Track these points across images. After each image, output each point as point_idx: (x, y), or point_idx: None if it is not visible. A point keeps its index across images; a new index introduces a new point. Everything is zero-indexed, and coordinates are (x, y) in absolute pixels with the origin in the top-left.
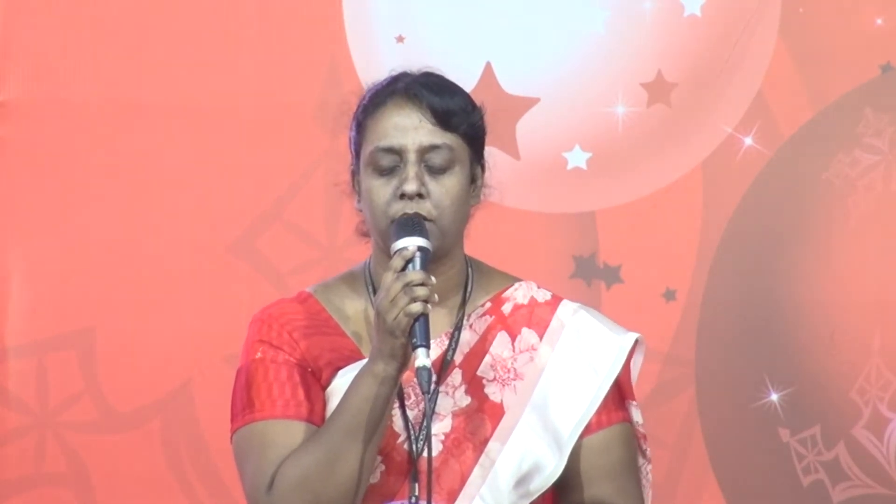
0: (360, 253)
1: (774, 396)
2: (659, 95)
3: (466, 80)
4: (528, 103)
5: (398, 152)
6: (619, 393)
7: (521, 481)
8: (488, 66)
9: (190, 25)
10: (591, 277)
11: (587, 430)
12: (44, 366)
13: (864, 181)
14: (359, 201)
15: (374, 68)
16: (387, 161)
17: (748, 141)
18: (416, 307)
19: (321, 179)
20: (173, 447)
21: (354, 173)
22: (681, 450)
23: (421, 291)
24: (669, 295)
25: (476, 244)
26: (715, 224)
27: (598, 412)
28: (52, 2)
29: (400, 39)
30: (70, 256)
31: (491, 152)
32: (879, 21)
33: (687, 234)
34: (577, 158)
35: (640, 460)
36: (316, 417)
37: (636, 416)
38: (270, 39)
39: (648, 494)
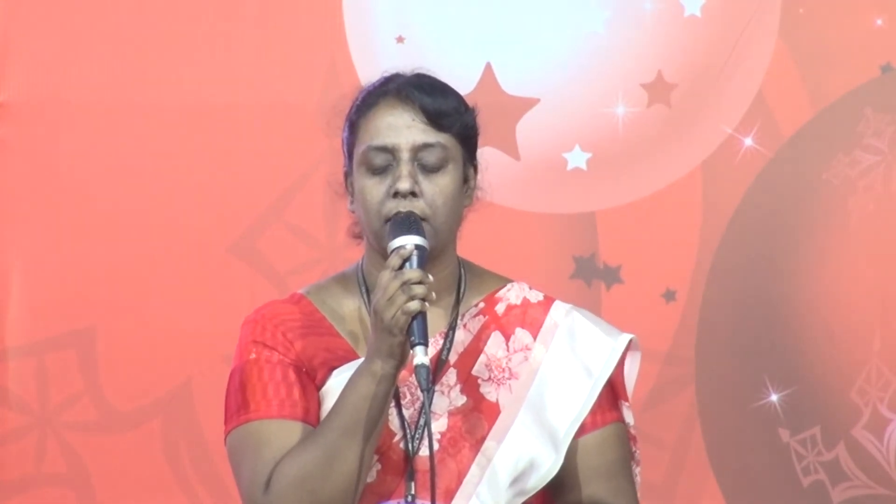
0: (361, 253)
1: (774, 397)
2: (659, 96)
3: (466, 81)
4: (528, 104)
5: (391, 151)
6: (613, 393)
7: (518, 479)
8: (488, 67)
9: (190, 26)
10: (591, 278)
11: (582, 429)
12: (44, 366)
13: (864, 181)
14: (352, 202)
15: (374, 68)
16: (380, 160)
17: (748, 141)
18: (415, 305)
19: (321, 180)
20: (173, 447)
21: (347, 174)
22: (681, 450)
23: (419, 289)
24: (669, 295)
25: (476, 245)
26: (715, 224)
27: (593, 412)
28: (52, 2)
29: (400, 40)
30: (70, 256)
31: (487, 154)
32: (879, 21)
33: (687, 234)
34: (577, 159)
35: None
36: (311, 417)
37: (628, 417)
38: (270, 39)
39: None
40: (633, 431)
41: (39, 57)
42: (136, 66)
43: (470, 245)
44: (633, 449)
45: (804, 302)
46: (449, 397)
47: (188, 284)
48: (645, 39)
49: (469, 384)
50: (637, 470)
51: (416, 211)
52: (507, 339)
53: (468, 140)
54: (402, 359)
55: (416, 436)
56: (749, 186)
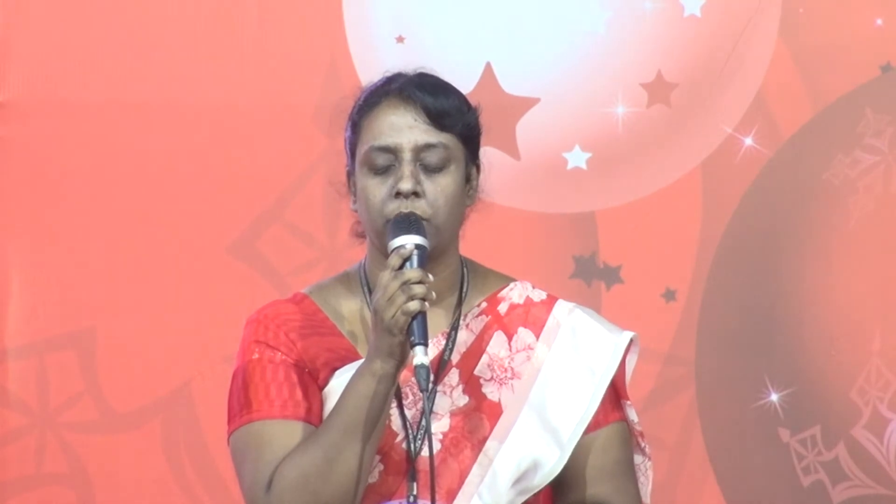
0: (361, 253)
1: (774, 396)
2: (659, 96)
3: (466, 80)
4: (528, 103)
5: (393, 151)
6: (615, 392)
7: (520, 479)
8: (488, 66)
9: (190, 25)
10: (591, 278)
11: (585, 429)
12: (44, 366)
13: (864, 181)
14: (354, 202)
15: (374, 68)
16: (382, 160)
17: (748, 141)
18: (414, 305)
19: (321, 179)
20: (173, 447)
21: (350, 174)
22: (681, 450)
23: (418, 289)
24: (669, 295)
25: (476, 244)
26: (715, 224)
27: (595, 412)
28: (52, 2)
29: (400, 40)
30: (70, 256)
31: (487, 153)
32: (879, 21)
33: (687, 234)
34: (577, 159)
35: (640, 458)
36: (314, 417)
37: (631, 414)
38: (270, 39)
39: (649, 490)
40: (638, 427)
41: (39, 57)
42: (136, 65)
43: (470, 245)
44: (643, 444)
45: (804, 302)
46: (451, 397)
47: (188, 285)
48: (645, 39)
49: (471, 384)
50: (649, 464)
51: (418, 211)
52: (510, 338)
53: (470, 140)
54: (401, 358)
55: (418, 436)
56: (749, 186)
